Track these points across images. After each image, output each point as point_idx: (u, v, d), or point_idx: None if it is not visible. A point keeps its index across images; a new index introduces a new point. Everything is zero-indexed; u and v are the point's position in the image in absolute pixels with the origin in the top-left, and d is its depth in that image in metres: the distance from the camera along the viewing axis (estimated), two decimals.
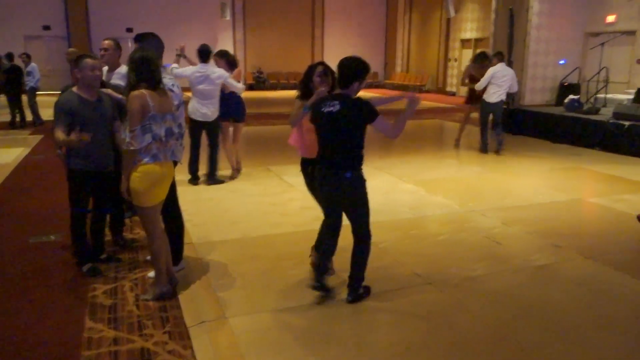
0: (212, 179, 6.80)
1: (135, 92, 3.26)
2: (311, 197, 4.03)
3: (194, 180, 6.76)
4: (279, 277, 4.00)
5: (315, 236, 4.04)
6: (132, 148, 3.27)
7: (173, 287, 3.68)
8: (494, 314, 3.47)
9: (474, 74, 9.28)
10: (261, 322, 3.32)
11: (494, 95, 8.77)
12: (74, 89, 3.78)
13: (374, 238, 4.82)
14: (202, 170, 6.82)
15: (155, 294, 3.57)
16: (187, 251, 4.26)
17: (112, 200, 4.18)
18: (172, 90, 3.63)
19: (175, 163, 3.72)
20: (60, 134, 3.61)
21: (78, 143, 3.53)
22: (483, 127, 9.11)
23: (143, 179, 3.34)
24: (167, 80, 3.66)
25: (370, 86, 25.68)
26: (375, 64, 26.37)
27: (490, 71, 8.77)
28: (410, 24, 24.44)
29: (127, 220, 4.99)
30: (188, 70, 6.46)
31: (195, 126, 6.56)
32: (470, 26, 20.36)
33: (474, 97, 9.35)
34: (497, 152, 9.00)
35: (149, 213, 3.45)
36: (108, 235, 4.44)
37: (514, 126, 11.44)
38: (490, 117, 9.05)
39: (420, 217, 5.57)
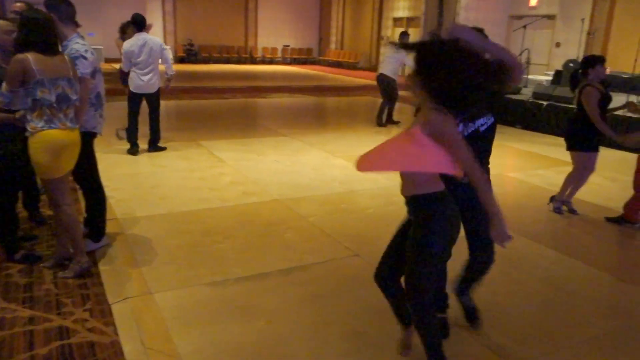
0: (155, 147, 6.95)
1: (20, 56, 3.07)
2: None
3: (134, 148, 6.78)
4: (206, 251, 3.96)
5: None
6: (6, 108, 3.16)
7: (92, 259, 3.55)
8: None
9: None
10: (187, 297, 3.28)
11: None
12: None
13: (305, 211, 4.89)
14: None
15: (75, 271, 3.43)
16: (110, 227, 4.12)
17: (23, 175, 3.94)
18: (84, 57, 3.43)
19: (94, 134, 3.55)
20: None
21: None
22: None
23: (43, 148, 3.16)
24: (79, 46, 3.45)
25: (305, 62, 25.61)
26: (309, 40, 26.28)
27: None
28: (345, 0, 24.43)
29: (43, 196, 4.73)
30: (128, 43, 6.51)
31: (137, 97, 6.70)
32: (402, 5, 20.64)
33: None
34: None
35: (57, 184, 3.28)
36: (23, 212, 4.21)
37: None
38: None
39: (350, 191, 5.66)
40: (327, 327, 3.03)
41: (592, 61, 4.71)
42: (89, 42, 3.60)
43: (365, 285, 3.56)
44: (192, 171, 6.16)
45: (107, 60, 20.57)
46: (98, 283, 3.39)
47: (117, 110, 8.25)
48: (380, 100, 9.87)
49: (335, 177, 6.16)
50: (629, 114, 4.98)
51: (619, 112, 5.91)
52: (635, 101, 6.84)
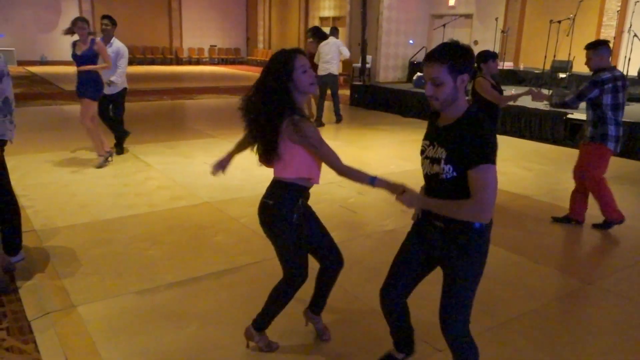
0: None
1: None
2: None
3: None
4: (133, 259, 3.83)
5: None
6: None
7: (9, 274, 3.35)
8: (348, 278, 3.66)
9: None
10: (114, 307, 3.16)
11: None
12: None
13: (236, 213, 4.84)
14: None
15: None
16: (28, 240, 3.90)
17: None
18: None
19: (4, 142, 3.34)
20: None
21: None
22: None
23: None
24: None
25: (233, 62, 25.31)
26: (237, 40, 25.99)
27: None
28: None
29: None
30: (124, 46, 6.80)
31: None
32: (328, 4, 20.84)
33: None
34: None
35: None
36: None
37: (369, 102, 12.05)
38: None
39: None
40: None
41: (485, 56, 4.98)
42: None
43: None
44: (116, 177, 5.93)
45: (20, 63, 19.39)
46: (16, 299, 3.20)
47: (30, 116, 7.80)
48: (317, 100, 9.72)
49: (265, 178, 6.10)
50: (534, 102, 5.22)
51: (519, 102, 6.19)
52: (534, 89, 7.26)
